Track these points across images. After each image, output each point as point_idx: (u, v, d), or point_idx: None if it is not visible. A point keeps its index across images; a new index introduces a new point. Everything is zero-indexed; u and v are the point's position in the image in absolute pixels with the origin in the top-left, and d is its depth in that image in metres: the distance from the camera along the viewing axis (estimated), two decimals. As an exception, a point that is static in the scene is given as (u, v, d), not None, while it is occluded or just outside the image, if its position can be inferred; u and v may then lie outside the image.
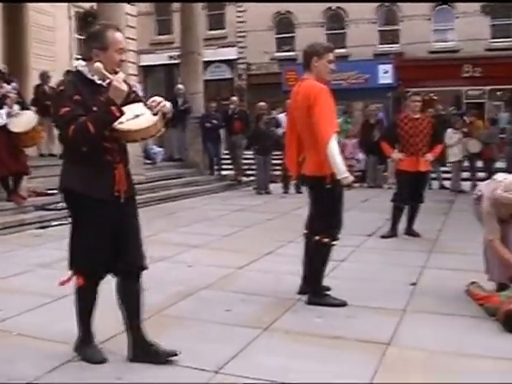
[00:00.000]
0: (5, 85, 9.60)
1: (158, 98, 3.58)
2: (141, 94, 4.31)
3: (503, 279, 4.96)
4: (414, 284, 5.67)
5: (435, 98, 23.97)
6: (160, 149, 15.28)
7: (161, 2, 30.29)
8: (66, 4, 16.12)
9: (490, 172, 12.11)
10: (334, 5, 29.03)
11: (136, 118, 3.49)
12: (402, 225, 8.36)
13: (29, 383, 3.41)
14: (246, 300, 5.14)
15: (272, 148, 14.02)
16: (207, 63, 24.55)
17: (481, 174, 14.02)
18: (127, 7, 13.54)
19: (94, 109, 3.39)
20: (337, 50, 6.41)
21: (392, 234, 8.21)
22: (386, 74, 28.12)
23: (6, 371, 3.55)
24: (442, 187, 14.94)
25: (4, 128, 8.81)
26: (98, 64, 3.47)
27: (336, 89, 6.78)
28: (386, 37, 29.19)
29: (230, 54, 31.19)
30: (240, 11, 30.99)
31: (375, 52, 28.99)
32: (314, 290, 5.09)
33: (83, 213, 3.59)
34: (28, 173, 9.37)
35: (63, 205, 4.03)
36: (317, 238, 5.01)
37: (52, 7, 15.51)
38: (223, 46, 30.79)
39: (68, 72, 13.24)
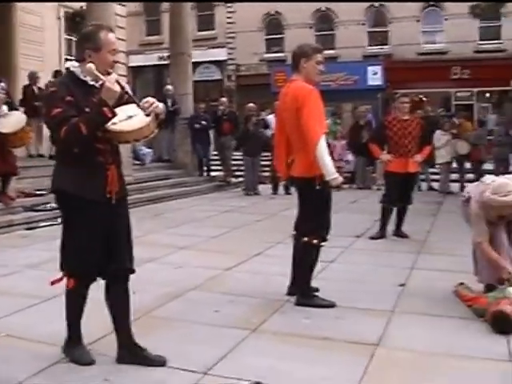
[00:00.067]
0: (-7, 85, 9.58)
1: (150, 99, 3.57)
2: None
3: (492, 280, 4.97)
4: (402, 285, 5.68)
5: (425, 99, 24.04)
6: (149, 150, 15.26)
7: (150, 1, 30.23)
8: (54, 4, 16.02)
9: (479, 173, 12.17)
10: (323, 5, 29.09)
11: (129, 118, 3.48)
12: (391, 226, 8.38)
13: (16, 385, 3.39)
14: (234, 301, 5.13)
15: (261, 149, 14.06)
16: (196, 64, 24.56)
17: (469, 176, 14.10)
18: (117, 8, 13.49)
19: (87, 110, 3.38)
20: (326, 52, 6.43)
21: (381, 235, 8.23)
22: (375, 76, 28.23)
23: (-7, 372, 3.53)
24: (431, 188, 15.01)
25: (-8, 129, 8.76)
26: (90, 65, 3.45)
27: (325, 90, 6.80)
28: (375, 38, 29.32)
29: (220, 54, 31.18)
30: (230, 12, 31.02)
31: (364, 53, 29.11)
32: (302, 291, 5.09)
33: (75, 214, 3.57)
34: (17, 173, 9.31)
35: (52, 205, 4.03)
36: (306, 239, 5.01)
37: (41, 7, 15.42)
38: (213, 47, 30.82)
39: (56, 72, 13.27)
